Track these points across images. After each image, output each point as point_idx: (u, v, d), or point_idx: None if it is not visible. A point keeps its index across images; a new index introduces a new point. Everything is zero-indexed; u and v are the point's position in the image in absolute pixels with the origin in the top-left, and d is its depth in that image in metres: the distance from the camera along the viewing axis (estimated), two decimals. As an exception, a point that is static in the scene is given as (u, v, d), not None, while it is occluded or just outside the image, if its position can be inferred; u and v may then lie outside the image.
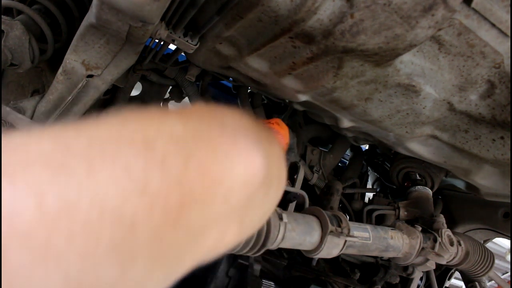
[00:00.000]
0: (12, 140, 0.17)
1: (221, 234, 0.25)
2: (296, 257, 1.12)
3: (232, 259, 0.90)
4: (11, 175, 0.15)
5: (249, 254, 0.68)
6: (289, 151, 0.95)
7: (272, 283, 0.86)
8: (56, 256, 0.16)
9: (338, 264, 1.25)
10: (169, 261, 0.22)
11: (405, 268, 1.13)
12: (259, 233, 0.66)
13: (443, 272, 1.47)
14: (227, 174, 0.23)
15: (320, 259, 1.21)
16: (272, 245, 0.69)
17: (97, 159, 0.18)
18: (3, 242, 0.14)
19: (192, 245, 0.23)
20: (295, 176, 1.13)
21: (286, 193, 1.10)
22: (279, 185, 0.34)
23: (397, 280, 1.20)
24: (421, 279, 1.31)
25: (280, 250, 0.74)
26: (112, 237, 0.17)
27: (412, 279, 1.20)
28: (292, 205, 1.05)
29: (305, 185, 1.39)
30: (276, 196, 0.33)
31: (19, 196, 0.15)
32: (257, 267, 0.91)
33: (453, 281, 1.60)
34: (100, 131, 0.19)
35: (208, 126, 0.24)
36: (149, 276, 0.20)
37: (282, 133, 0.76)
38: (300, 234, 0.72)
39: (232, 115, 0.27)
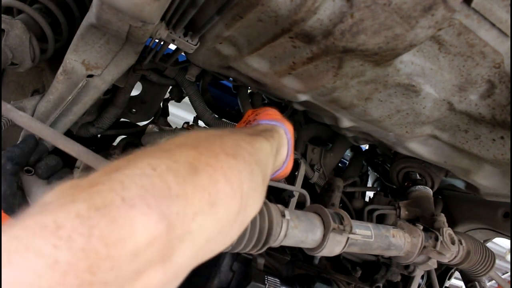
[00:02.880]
0: None
1: (140, 280, 0.30)
2: (297, 254, 1.12)
3: (236, 253, 0.90)
4: None
5: (252, 252, 0.68)
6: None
7: (278, 280, 0.86)
8: None
9: (340, 262, 1.25)
10: None
11: (406, 266, 1.12)
12: (261, 230, 0.66)
13: (443, 272, 1.47)
14: (127, 235, 0.28)
15: (322, 257, 1.21)
16: (275, 243, 0.69)
17: (13, 251, 0.23)
18: None
19: None
20: (296, 173, 1.13)
21: (282, 191, 1.10)
22: (221, 205, 0.38)
23: (399, 278, 1.20)
24: (422, 277, 1.31)
25: (282, 246, 0.74)
26: None
27: (413, 278, 1.20)
28: (292, 203, 1.05)
29: (306, 184, 1.39)
30: (216, 217, 0.38)
31: None
32: (261, 261, 0.91)
33: (453, 281, 1.60)
34: (20, 224, 0.25)
35: (111, 199, 0.29)
36: None
37: (266, 112, 0.76)
38: (302, 232, 0.72)
39: (140, 174, 0.33)
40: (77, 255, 0.25)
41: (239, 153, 0.47)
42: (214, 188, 0.38)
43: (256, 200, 0.50)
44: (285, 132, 0.70)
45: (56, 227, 0.25)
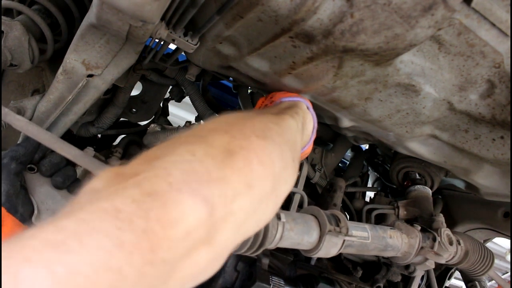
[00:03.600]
0: (23, 236, 0.24)
1: (190, 260, 0.32)
2: (299, 254, 1.12)
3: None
4: (29, 259, 0.22)
5: (247, 254, 0.68)
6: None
7: (282, 280, 0.86)
8: None
9: (341, 262, 1.25)
10: None
11: (407, 266, 1.13)
12: (257, 232, 0.66)
13: (443, 272, 1.47)
14: (179, 217, 0.30)
15: (323, 257, 1.21)
16: (271, 245, 0.69)
17: (84, 233, 0.25)
18: None
19: (169, 273, 0.29)
20: (298, 174, 1.13)
21: None
22: (257, 185, 0.40)
23: (399, 278, 1.20)
24: (422, 278, 1.31)
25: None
26: (107, 281, 0.24)
27: (413, 278, 1.20)
28: (294, 204, 1.05)
29: (307, 184, 1.39)
30: (252, 197, 0.40)
31: (37, 273, 0.22)
32: (265, 261, 0.91)
33: (453, 281, 1.60)
34: (83, 210, 0.27)
35: (158, 185, 0.31)
36: None
37: (278, 95, 0.77)
38: (298, 234, 0.72)
39: (181, 160, 0.35)
40: (139, 236, 0.27)
41: (268, 135, 0.49)
42: (249, 170, 0.40)
43: (287, 179, 0.52)
44: (307, 106, 0.70)
45: (116, 211, 0.27)
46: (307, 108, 0.71)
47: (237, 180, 0.38)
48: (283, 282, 0.86)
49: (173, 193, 0.31)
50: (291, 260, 1.01)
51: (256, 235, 0.66)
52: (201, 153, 0.37)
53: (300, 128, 0.65)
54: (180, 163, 0.35)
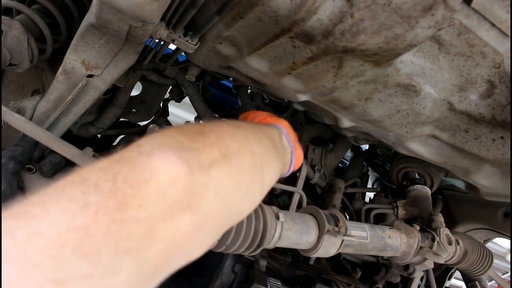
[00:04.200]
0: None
1: (170, 222, 0.32)
2: (298, 255, 1.12)
3: (238, 255, 0.90)
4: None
5: (245, 254, 0.68)
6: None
7: (279, 281, 0.86)
8: (34, 264, 0.23)
9: (340, 262, 1.25)
10: (133, 252, 0.28)
11: (406, 267, 1.13)
12: (255, 232, 0.66)
13: (443, 272, 1.47)
14: (150, 176, 0.30)
15: (321, 258, 1.21)
16: (269, 245, 0.69)
17: (48, 201, 0.26)
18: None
19: (147, 236, 0.29)
20: (297, 174, 1.13)
21: (273, 190, 1.10)
22: (234, 158, 0.41)
23: (398, 279, 1.20)
24: (421, 279, 1.31)
25: (284, 247, 0.74)
26: (73, 241, 0.24)
27: (413, 279, 1.20)
28: (294, 204, 1.05)
29: (307, 184, 1.39)
30: (231, 168, 0.41)
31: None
32: (263, 263, 0.91)
33: (453, 281, 1.60)
34: (50, 187, 0.28)
35: (129, 155, 0.32)
36: (118, 265, 0.26)
37: (253, 116, 0.78)
38: (297, 234, 0.72)
39: (152, 139, 0.36)
40: (105, 196, 0.27)
41: (242, 125, 0.51)
42: (223, 144, 0.42)
43: (271, 164, 0.53)
44: (283, 133, 0.69)
45: (82, 180, 0.28)
46: (284, 134, 0.70)
47: (209, 150, 0.39)
48: (280, 284, 0.86)
49: (143, 158, 0.32)
50: (289, 262, 1.01)
51: (255, 235, 0.66)
52: (173, 132, 0.38)
53: (277, 138, 0.66)
54: (151, 138, 0.36)
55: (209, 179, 0.37)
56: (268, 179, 0.52)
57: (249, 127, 0.53)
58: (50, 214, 0.25)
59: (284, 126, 0.72)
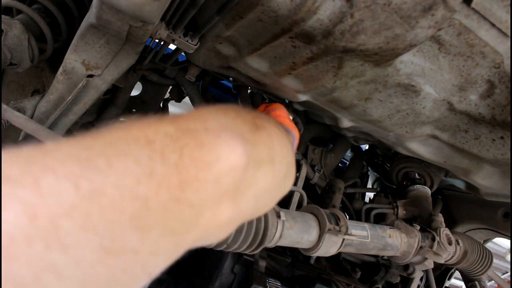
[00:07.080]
0: (45, 146, 0.22)
1: (215, 211, 0.30)
2: (298, 255, 1.12)
3: (237, 255, 0.90)
4: (52, 168, 0.20)
5: (247, 252, 0.68)
6: (297, 125, 0.98)
7: (278, 282, 0.86)
8: (93, 225, 0.20)
9: (339, 263, 1.25)
10: (177, 234, 0.26)
11: (406, 267, 1.13)
12: (256, 231, 0.66)
13: (443, 272, 1.47)
14: (214, 160, 0.28)
15: (321, 258, 1.21)
16: (270, 243, 0.69)
17: (113, 155, 0.23)
18: (55, 211, 0.19)
19: (194, 221, 0.28)
20: (297, 174, 1.13)
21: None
22: (277, 163, 0.40)
23: (398, 279, 1.20)
24: (421, 279, 1.31)
25: (283, 247, 0.74)
26: (132, 210, 0.22)
27: (412, 279, 1.20)
28: (293, 204, 1.05)
29: (307, 184, 1.39)
30: (273, 172, 0.40)
31: (60, 183, 0.20)
32: (262, 263, 0.91)
33: (453, 281, 1.60)
34: (111, 134, 0.25)
35: (195, 126, 0.30)
36: (162, 245, 0.25)
37: (278, 113, 0.77)
38: (298, 232, 0.72)
39: (216, 116, 0.34)
40: (170, 170, 0.25)
41: (281, 129, 0.50)
42: (271, 146, 0.40)
43: (291, 177, 0.52)
44: (293, 138, 0.70)
45: (147, 141, 0.25)
46: (293, 141, 0.71)
47: (262, 149, 0.37)
48: (279, 284, 0.86)
49: (209, 136, 0.29)
50: (289, 262, 1.01)
51: (256, 234, 0.66)
52: (233, 114, 0.36)
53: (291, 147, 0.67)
54: (215, 115, 0.33)
55: (254, 178, 0.35)
56: (285, 191, 0.52)
57: (285, 135, 0.51)
58: (115, 172, 0.22)
59: (296, 137, 0.72)
